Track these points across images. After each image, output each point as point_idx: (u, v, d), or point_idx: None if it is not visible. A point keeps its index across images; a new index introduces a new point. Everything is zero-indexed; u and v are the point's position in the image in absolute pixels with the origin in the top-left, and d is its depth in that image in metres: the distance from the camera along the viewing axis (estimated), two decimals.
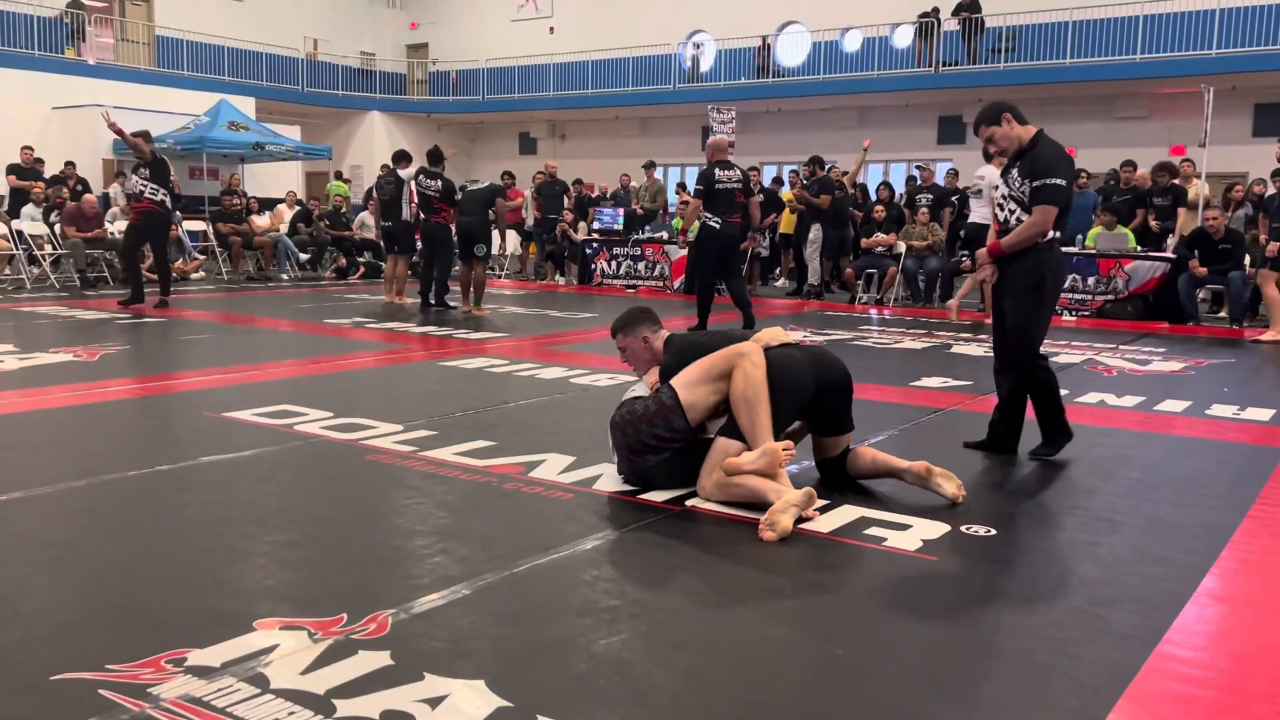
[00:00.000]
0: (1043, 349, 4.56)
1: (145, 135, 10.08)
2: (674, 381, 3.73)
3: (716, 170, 8.69)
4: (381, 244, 12.56)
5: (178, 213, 14.61)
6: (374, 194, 12.99)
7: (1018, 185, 4.37)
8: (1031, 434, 4.57)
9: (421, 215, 10.53)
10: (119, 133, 9.96)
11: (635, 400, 3.81)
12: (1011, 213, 4.42)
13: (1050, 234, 4.33)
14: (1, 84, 17.75)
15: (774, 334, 3.89)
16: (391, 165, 11.39)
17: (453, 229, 10.58)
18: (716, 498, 3.63)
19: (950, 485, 3.73)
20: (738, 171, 8.79)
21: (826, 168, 13.31)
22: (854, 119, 21.78)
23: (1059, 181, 4.26)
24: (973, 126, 4.55)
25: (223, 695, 2.13)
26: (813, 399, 3.78)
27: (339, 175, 19.78)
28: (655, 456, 3.74)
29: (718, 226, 8.67)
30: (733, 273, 9.05)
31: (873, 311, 11.41)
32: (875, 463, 3.96)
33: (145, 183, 9.93)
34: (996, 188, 4.59)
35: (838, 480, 3.97)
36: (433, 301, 10.72)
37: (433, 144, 11.20)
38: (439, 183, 10.36)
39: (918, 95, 20.73)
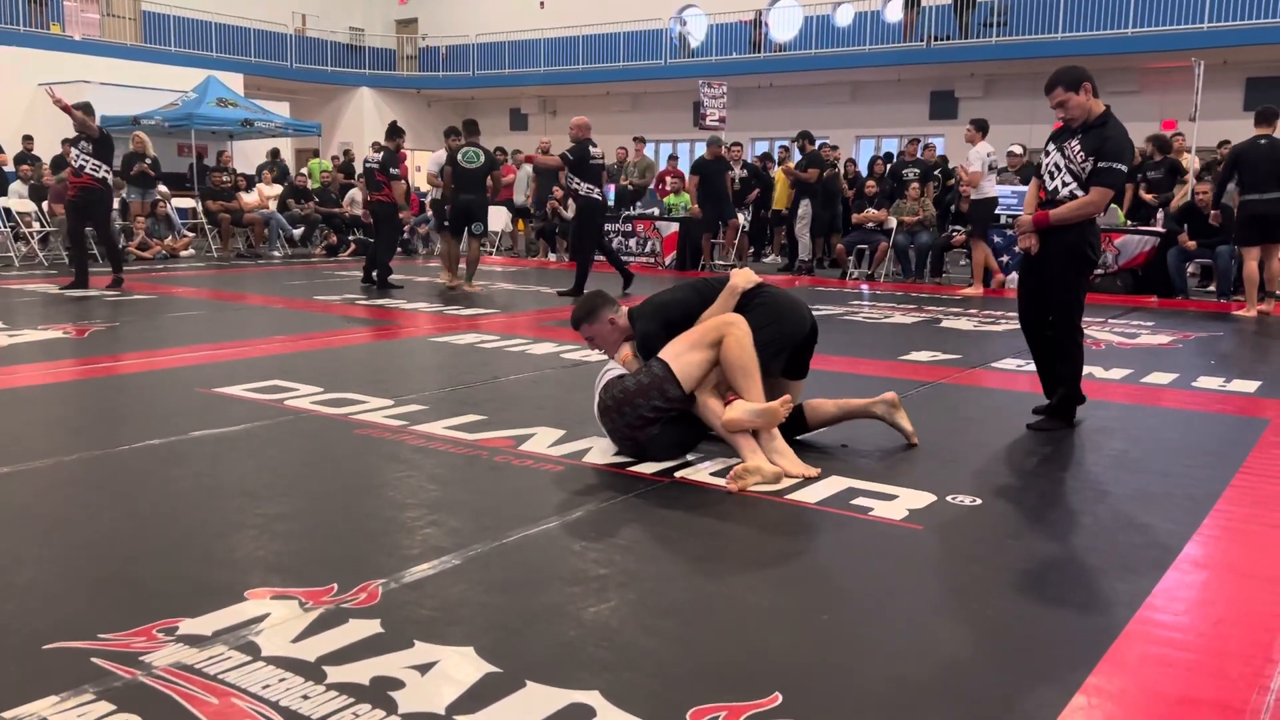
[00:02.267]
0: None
1: (87, 108, 9.60)
2: (663, 354, 3.78)
3: (590, 147, 9.84)
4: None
5: (164, 187, 14.56)
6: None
7: (1079, 159, 4.30)
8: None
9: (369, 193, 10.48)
10: (65, 108, 9.48)
11: (620, 380, 3.84)
12: (1065, 184, 4.35)
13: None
14: None
15: (748, 276, 4.05)
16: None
17: (397, 205, 10.62)
18: (701, 415, 3.83)
19: (908, 424, 4.15)
20: (601, 150, 10.24)
21: (818, 145, 13.27)
22: (846, 94, 21.75)
23: (1123, 168, 4.30)
24: (1045, 87, 4.42)
25: (214, 663, 2.16)
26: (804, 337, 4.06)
27: (315, 154, 19.59)
28: (655, 428, 3.79)
29: (599, 198, 10.00)
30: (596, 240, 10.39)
31: (864, 287, 11.43)
32: (840, 408, 4.21)
33: (88, 158, 9.49)
34: (1047, 153, 4.50)
35: (790, 432, 4.03)
36: (374, 279, 10.38)
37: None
38: (380, 155, 10.34)
39: (910, 70, 20.69)
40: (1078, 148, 4.32)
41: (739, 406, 3.68)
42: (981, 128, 10.47)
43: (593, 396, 4.03)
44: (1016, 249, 4.64)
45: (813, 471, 3.69)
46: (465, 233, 10.39)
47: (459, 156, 10.18)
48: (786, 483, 3.58)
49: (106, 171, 9.66)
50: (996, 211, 11.43)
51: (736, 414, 3.67)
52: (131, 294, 9.36)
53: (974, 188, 10.53)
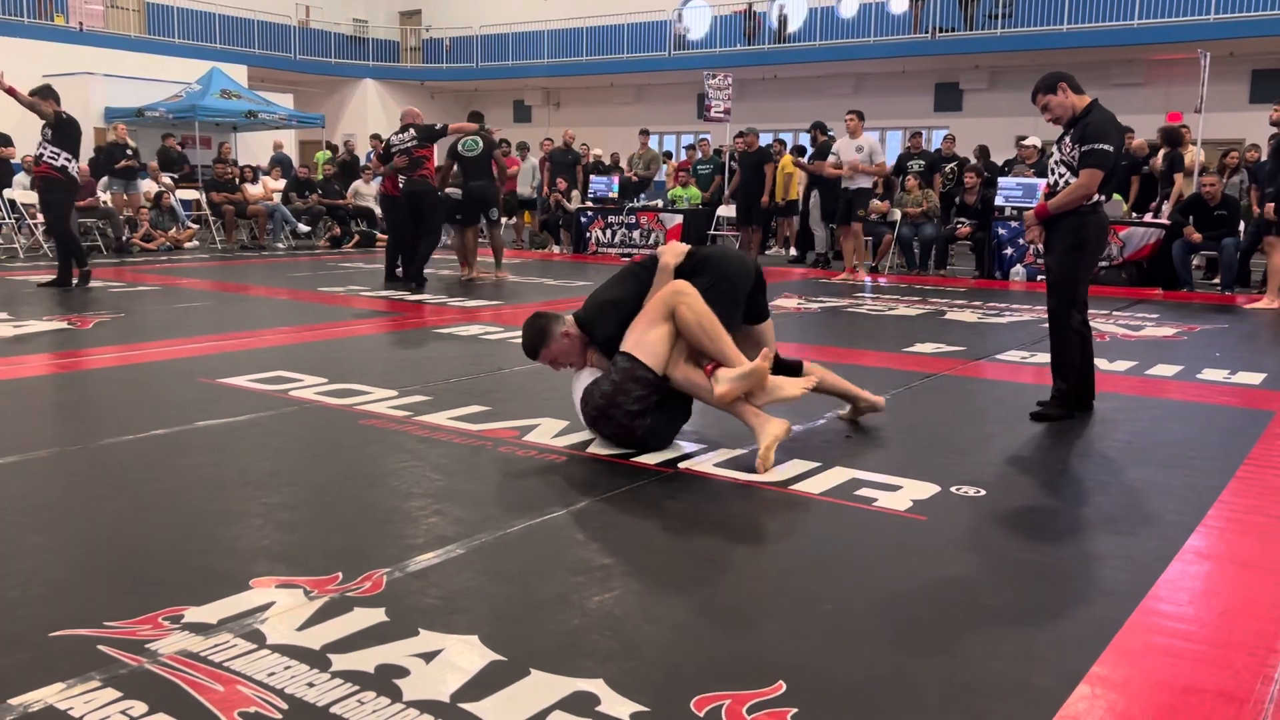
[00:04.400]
0: (1040, 313, 4.65)
1: (43, 92, 8.87)
2: (624, 348, 3.77)
3: (392, 137, 9.65)
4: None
5: (170, 179, 14.54)
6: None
7: (1069, 150, 4.52)
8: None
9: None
10: (10, 92, 8.65)
11: (596, 385, 3.81)
12: (1061, 176, 4.57)
13: (1095, 197, 4.48)
14: None
15: (675, 250, 4.03)
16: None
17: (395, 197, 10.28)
18: (685, 391, 3.83)
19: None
20: (411, 132, 9.49)
21: (828, 134, 13.27)
22: (850, 86, 21.67)
23: (1106, 147, 4.41)
24: (1030, 96, 4.68)
25: (220, 650, 2.16)
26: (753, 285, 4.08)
27: (327, 145, 19.51)
28: (646, 419, 3.77)
29: (402, 184, 9.60)
30: (429, 228, 9.69)
31: (867, 279, 11.40)
32: (833, 384, 4.30)
33: (46, 145, 8.79)
34: (1050, 154, 4.71)
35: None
36: (400, 275, 10.05)
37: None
38: (411, 130, 9.81)
39: (914, 62, 20.62)
40: (1069, 141, 4.55)
41: (723, 377, 3.66)
42: (862, 117, 10.55)
43: (574, 407, 4.04)
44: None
45: (811, 381, 3.85)
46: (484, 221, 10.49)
47: (459, 146, 10.14)
48: (792, 473, 3.58)
49: (66, 160, 8.84)
50: (999, 204, 11.41)
51: (726, 386, 3.65)
52: (136, 285, 9.37)
53: (853, 176, 10.62)
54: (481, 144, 10.17)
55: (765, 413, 3.71)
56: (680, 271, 3.93)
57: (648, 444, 3.84)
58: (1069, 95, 4.54)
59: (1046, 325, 4.73)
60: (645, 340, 3.73)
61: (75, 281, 9.05)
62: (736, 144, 13.48)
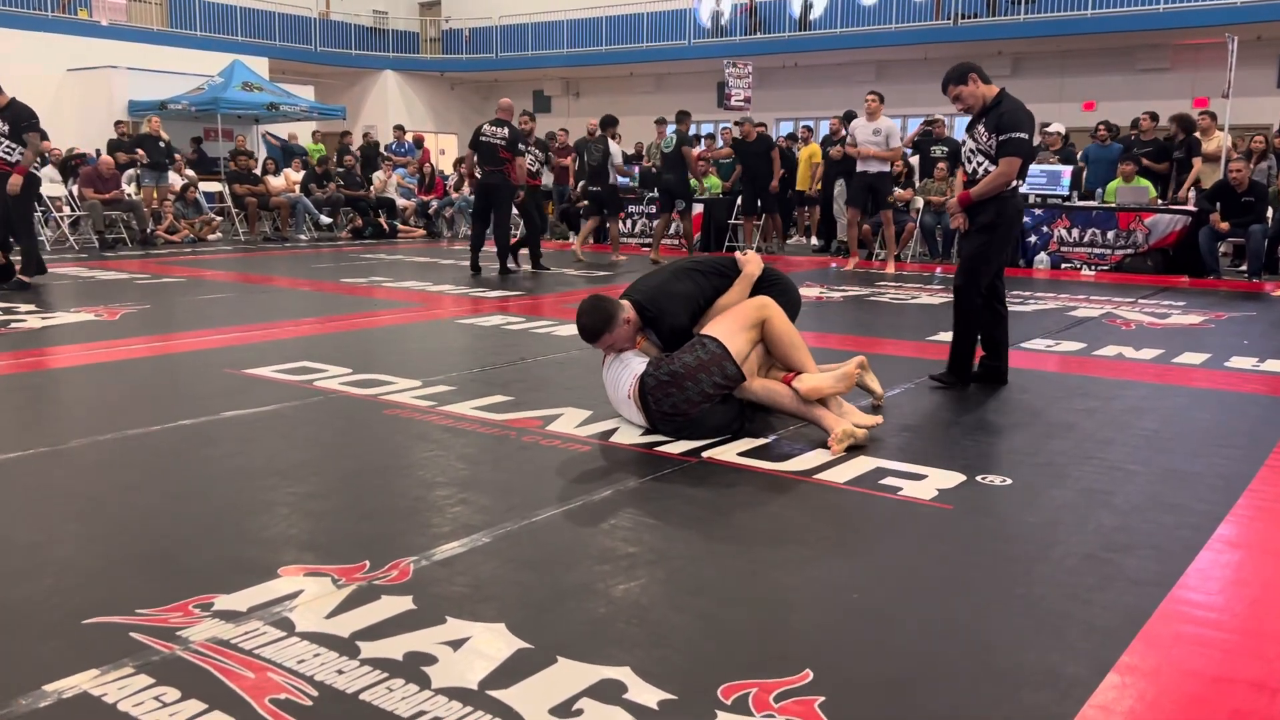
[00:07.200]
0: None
1: None
2: (713, 333, 3.84)
3: (485, 125, 9.97)
4: (583, 206, 13.02)
5: (191, 171, 14.63)
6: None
7: (985, 139, 4.74)
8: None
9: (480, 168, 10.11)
10: None
11: (671, 357, 3.84)
12: (980, 165, 4.80)
13: (1013, 183, 4.73)
14: (16, 46, 17.74)
15: (759, 263, 4.27)
16: (600, 129, 11.75)
17: (515, 185, 10.33)
18: (760, 399, 3.95)
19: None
20: (506, 130, 9.84)
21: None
22: (872, 73, 21.52)
23: (1024, 136, 4.68)
24: (941, 86, 4.88)
25: (250, 638, 2.18)
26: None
27: (315, 136, 19.31)
28: (708, 405, 3.82)
29: (478, 176, 10.13)
30: (497, 221, 10.13)
31: (890, 267, 11.34)
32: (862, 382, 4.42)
33: (2, 139, 8.33)
34: (963, 143, 5.00)
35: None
36: (514, 262, 10.36)
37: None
38: (505, 130, 9.88)
39: (936, 49, 20.44)
40: (983, 130, 4.75)
41: (814, 376, 3.86)
42: (883, 100, 10.31)
43: (604, 386, 4.09)
44: (951, 227, 5.07)
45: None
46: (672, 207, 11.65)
47: (660, 144, 11.59)
48: (817, 461, 3.58)
49: (21, 154, 8.33)
50: (1024, 192, 11.31)
51: (818, 382, 3.83)
52: (161, 277, 9.44)
53: (867, 160, 10.27)
54: (676, 139, 11.21)
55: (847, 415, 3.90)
56: (757, 282, 4.20)
57: (687, 431, 3.84)
58: (979, 85, 4.76)
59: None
60: (739, 338, 3.85)
61: (17, 274, 8.51)
62: (724, 135, 13.57)
